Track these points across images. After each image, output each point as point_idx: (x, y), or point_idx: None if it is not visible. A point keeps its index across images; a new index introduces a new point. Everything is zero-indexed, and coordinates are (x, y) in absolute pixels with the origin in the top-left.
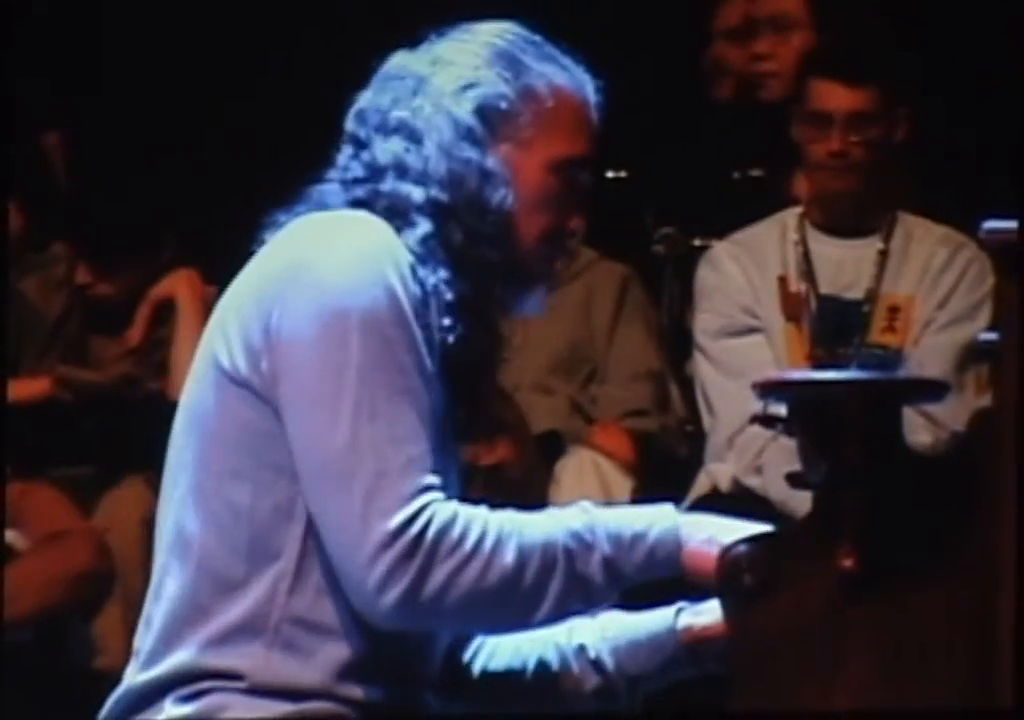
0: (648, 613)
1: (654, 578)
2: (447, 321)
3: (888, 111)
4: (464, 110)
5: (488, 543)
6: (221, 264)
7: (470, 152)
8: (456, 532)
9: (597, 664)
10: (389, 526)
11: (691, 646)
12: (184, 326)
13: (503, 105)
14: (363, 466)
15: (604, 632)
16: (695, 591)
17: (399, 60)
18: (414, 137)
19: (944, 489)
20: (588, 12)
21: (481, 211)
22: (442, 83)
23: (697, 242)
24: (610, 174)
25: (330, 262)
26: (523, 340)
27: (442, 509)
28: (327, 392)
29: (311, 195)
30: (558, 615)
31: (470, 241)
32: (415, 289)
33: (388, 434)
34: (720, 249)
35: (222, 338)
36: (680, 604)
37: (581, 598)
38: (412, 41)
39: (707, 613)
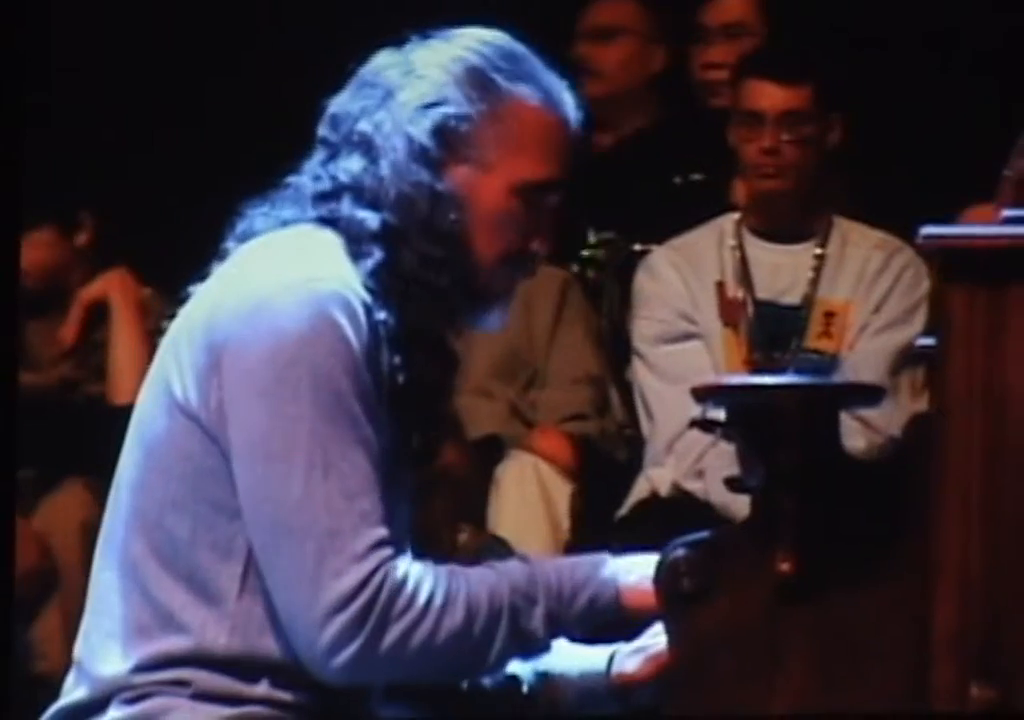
0: (584, 649)
1: (594, 626)
2: (397, 359)
3: (820, 112)
4: (421, 129)
5: (438, 602)
6: (154, 265)
7: (422, 174)
8: (408, 592)
9: (526, 695)
10: (341, 588)
11: (622, 689)
12: (119, 329)
13: (464, 127)
14: (316, 524)
15: (537, 664)
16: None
17: (377, 64)
18: (372, 154)
19: (880, 493)
20: (524, 11)
21: (432, 235)
22: (406, 99)
23: (637, 247)
24: None
25: (283, 307)
26: (464, 344)
27: (394, 569)
28: (279, 446)
29: (287, 190)
30: (500, 665)
31: (422, 265)
32: (367, 331)
33: (341, 489)
34: (658, 255)
35: (175, 363)
36: (616, 647)
37: (523, 649)
38: (396, 41)
39: (637, 655)
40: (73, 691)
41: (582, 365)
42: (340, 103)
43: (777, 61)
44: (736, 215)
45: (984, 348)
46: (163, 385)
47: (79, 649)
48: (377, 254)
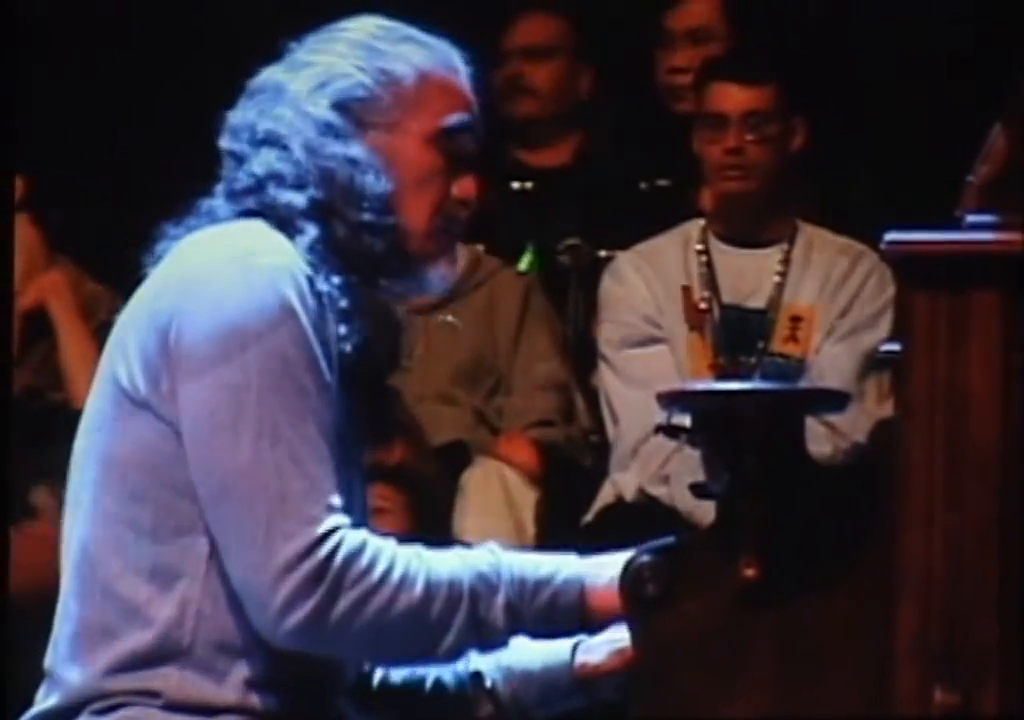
0: (546, 644)
1: (554, 627)
2: (343, 329)
3: (783, 112)
4: (321, 108)
5: (396, 575)
6: (103, 261)
7: (334, 147)
8: (364, 560)
9: (490, 692)
10: (293, 549)
11: (586, 681)
12: (63, 333)
13: (360, 93)
14: (266, 490)
15: (499, 660)
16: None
17: (260, 74)
18: (281, 144)
19: (845, 498)
20: (493, 15)
21: (358, 200)
22: (298, 87)
23: (602, 253)
24: (516, 185)
25: (226, 279)
26: (426, 350)
27: (350, 536)
28: (227, 416)
29: (200, 208)
30: (456, 654)
31: (354, 234)
32: (311, 302)
33: (290, 457)
34: (623, 260)
35: (121, 356)
36: (579, 638)
37: (480, 638)
38: (276, 56)
39: (603, 647)
40: (44, 701)
41: (547, 371)
42: (235, 116)
43: (739, 63)
44: (702, 221)
45: (946, 353)
46: (110, 380)
47: (49, 658)
48: (311, 230)
